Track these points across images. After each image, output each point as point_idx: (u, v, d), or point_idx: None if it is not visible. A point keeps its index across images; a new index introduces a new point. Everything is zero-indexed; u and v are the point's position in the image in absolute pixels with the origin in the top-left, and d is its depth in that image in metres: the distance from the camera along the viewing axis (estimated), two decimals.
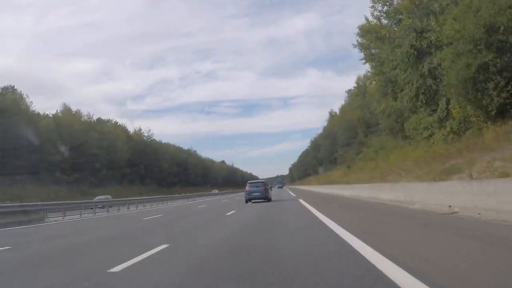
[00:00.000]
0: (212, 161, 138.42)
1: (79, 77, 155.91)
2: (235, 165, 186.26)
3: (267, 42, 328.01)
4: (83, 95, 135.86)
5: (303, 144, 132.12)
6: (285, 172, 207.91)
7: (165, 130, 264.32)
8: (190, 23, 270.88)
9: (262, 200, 24.08)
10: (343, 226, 7.67)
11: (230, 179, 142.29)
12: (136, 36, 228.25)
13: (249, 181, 27.23)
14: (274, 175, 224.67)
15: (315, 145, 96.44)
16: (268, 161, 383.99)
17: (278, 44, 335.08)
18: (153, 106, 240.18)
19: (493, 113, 16.58)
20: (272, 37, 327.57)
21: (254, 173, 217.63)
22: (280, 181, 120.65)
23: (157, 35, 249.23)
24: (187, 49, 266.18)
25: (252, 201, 24.13)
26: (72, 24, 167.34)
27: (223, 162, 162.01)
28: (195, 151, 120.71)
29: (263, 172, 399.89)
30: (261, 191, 24.74)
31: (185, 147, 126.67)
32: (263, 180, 29.49)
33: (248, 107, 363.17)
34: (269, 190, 26.42)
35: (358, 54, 32.94)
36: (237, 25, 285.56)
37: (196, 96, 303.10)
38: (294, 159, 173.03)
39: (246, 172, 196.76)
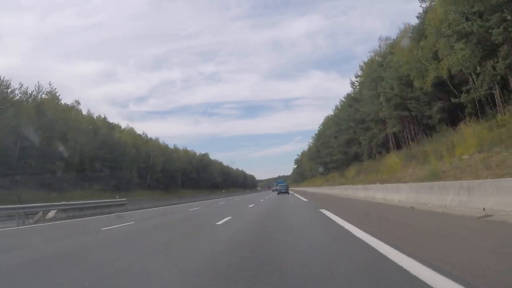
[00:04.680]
0: (154, 141, 74.67)
1: (82, 78, 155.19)
2: (238, 166, 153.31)
3: (270, 43, 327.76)
4: (86, 96, 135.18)
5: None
6: (288, 173, 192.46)
7: (168, 131, 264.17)
8: (194, 25, 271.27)
9: (286, 193, 44.25)
10: None
11: (197, 177, 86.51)
12: (139, 38, 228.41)
13: (279, 183, 54.78)
14: (276, 175, 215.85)
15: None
16: (270, 162, 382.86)
17: (282, 46, 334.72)
18: (156, 108, 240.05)
19: None
20: (275, 39, 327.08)
21: (248, 172, 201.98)
22: (281, 182, 71.45)
23: (160, 37, 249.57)
24: (190, 51, 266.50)
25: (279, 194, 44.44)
26: (76, 25, 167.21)
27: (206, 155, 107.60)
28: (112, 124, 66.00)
29: (265, 173, 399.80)
30: (285, 188, 48.15)
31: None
32: (286, 182, 53.03)
33: (251, 109, 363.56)
34: (289, 188, 52.95)
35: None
36: (241, 27, 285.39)
37: (199, 98, 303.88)
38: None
39: (237, 169, 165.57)
